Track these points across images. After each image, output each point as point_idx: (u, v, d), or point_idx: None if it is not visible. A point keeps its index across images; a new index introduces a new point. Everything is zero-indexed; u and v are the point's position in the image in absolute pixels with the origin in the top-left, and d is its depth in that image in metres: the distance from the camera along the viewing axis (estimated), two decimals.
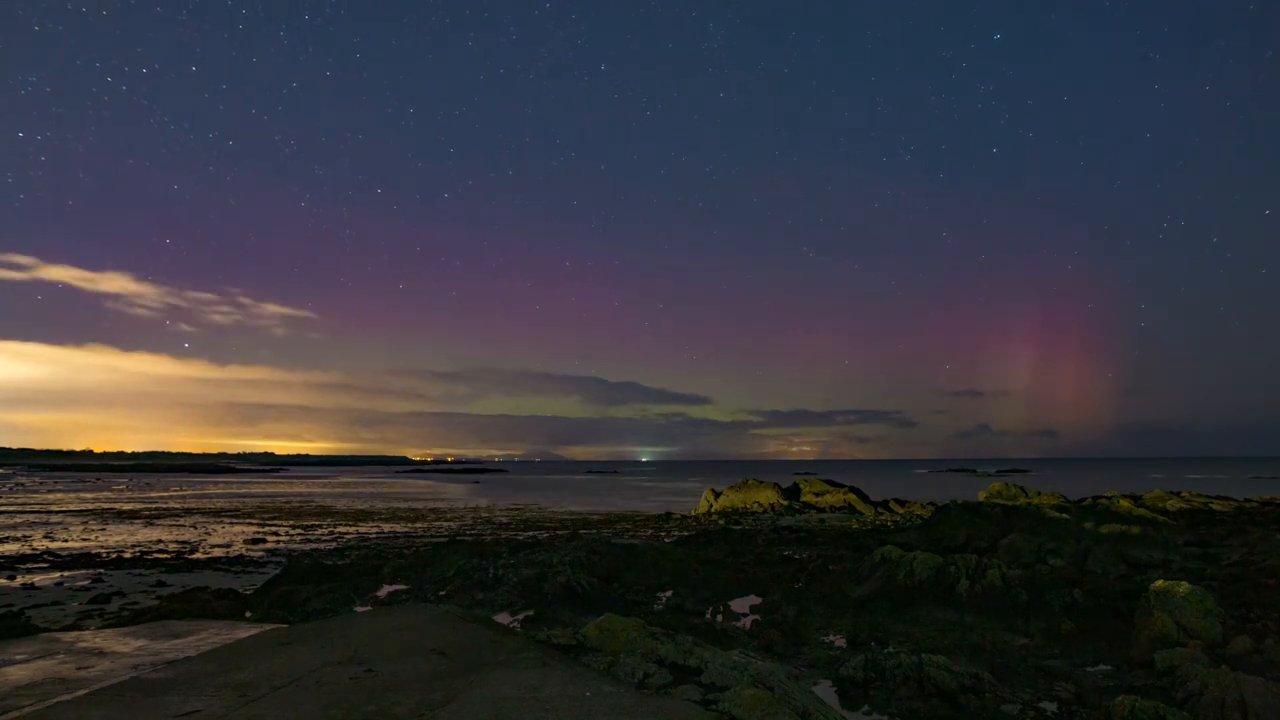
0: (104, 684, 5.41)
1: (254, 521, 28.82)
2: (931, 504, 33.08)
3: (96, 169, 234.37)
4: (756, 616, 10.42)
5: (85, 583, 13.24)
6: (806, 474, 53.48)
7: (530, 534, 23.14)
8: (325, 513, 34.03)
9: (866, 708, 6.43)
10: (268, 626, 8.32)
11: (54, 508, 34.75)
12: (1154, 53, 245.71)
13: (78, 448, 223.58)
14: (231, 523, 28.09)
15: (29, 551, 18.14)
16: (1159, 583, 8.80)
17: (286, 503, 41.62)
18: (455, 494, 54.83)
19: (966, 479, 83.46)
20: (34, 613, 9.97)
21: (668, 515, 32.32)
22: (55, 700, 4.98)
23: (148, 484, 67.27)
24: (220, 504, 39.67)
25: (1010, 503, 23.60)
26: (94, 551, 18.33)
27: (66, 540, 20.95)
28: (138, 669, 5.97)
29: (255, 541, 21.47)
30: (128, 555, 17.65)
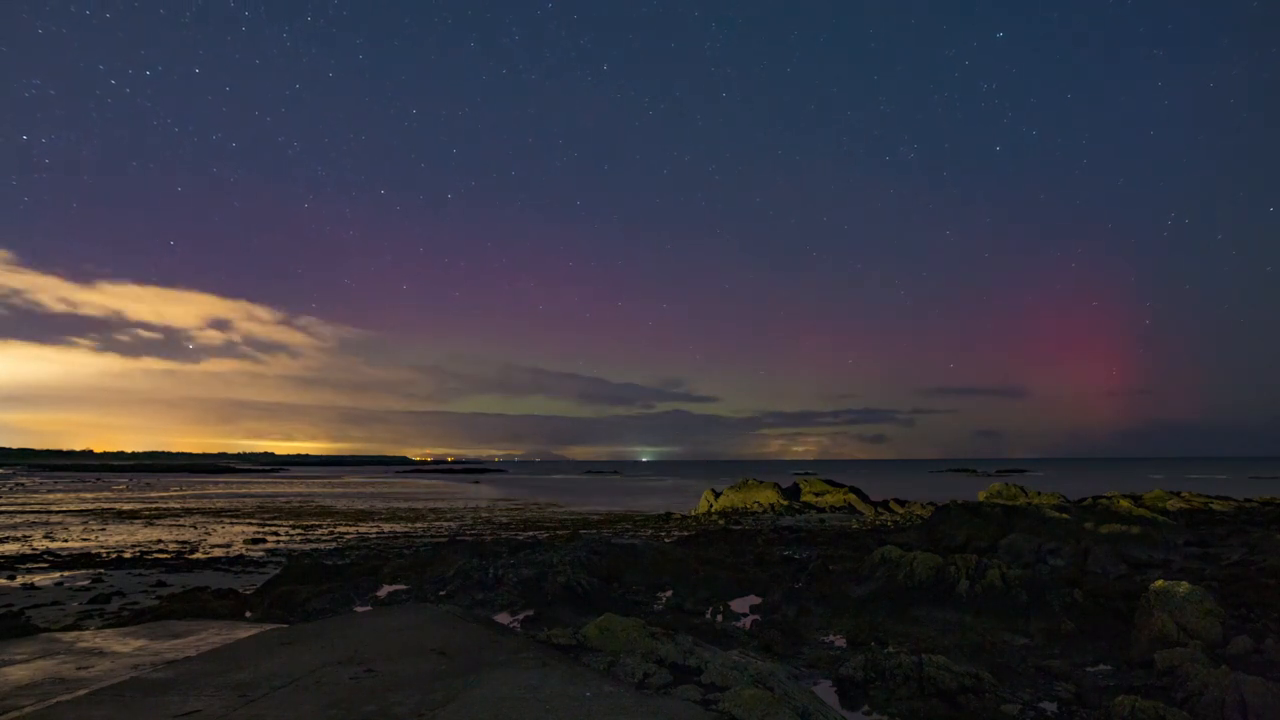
0: (104, 684, 5.41)
1: (254, 521, 28.82)
2: (931, 504, 33.08)
3: (100, 171, 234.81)
4: (756, 616, 10.42)
5: (85, 583, 13.23)
6: (806, 474, 53.49)
7: (530, 534, 23.14)
8: (325, 513, 34.03)
9: (866, 708, 6.43)
10: (268, 626, 8.32)
11: (54, 508, 34.74)
12: (1157, 49, 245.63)
13: (78, 448, 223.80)
14: (231, 523, 28.09)
15: (29, 551, 18.13)
16: (1159, 583, 8.80)
17: (286, 503, 41.61)
18: (456, 493, 54.84)
19: (966, 479, 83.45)
20: (34, 613, 9.96)
21: (668, 515, 32.31)
22: (55, 700, 4.98)
23: (148, 484, 67.26)
24: (220, 504, 39.67)
25: (1010, 503, 23.61)
26: (94, 551, 18.32)
27: (66, 540, 20.94)
28: (138, 669, 5.97)
29: (255, 541, 21.47)
30: (128, 555, 17.65)
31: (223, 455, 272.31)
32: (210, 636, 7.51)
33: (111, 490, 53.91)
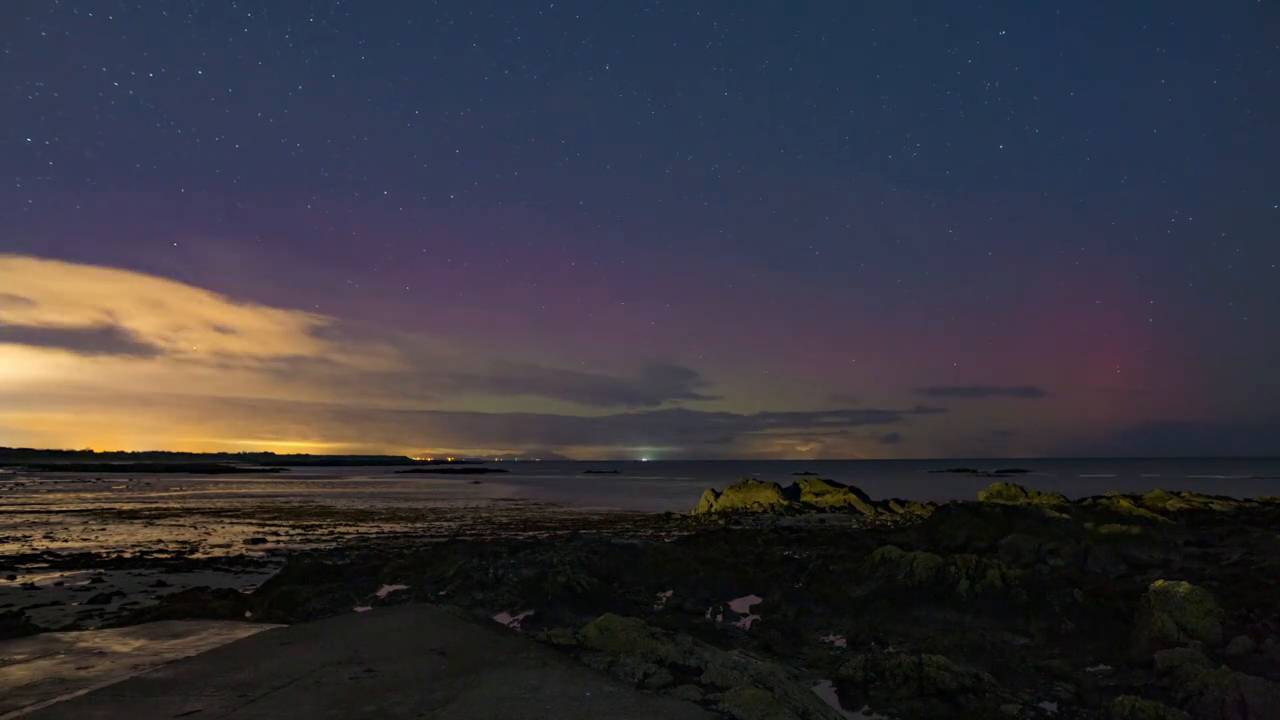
0: (104, 684, 5.41)
1: (254, 521, 28.82)
2: (931, 504, 33.08)
3: (103, 173, 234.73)
4: (756, 616, 10.41)
5: (85, 583, 13.23)
6: (806, 474, 53.49)
7: (530, 534, 23.14)
8: (325, 513, 34.03)
9: (866, 708, 6.43)
10: (268, 626, 8.32)
11: (54, 508, 34.74)
12: (1159, 47, 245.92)
13: (78, 448, 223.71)
14: (231, 523, 28.09)
15: (29, 551, 18.13)
16: (1159, 583, 8.80)
17: (286, 503, 41.62)
18: (456, 493, 54.84)
19: (966, 479, 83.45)
20: (34, 613, 9.97)
21: (668, 515, 32.31)
22: (55, 700, 4.98)
23: (148, 484, 67.26)
24: (220, 504, 39.66)
25: (1010, 503, 23.61)
26: (94, 551, 18.32)
27: (66, 540, 20.94)
28: (138, 669, 5.97)
29: (255, 541, 21.47)
30: (128, 555, 17.65)
31: (223, 455, 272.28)
32: (210, 636, 7.51)
33: (111, 490, 53.91)
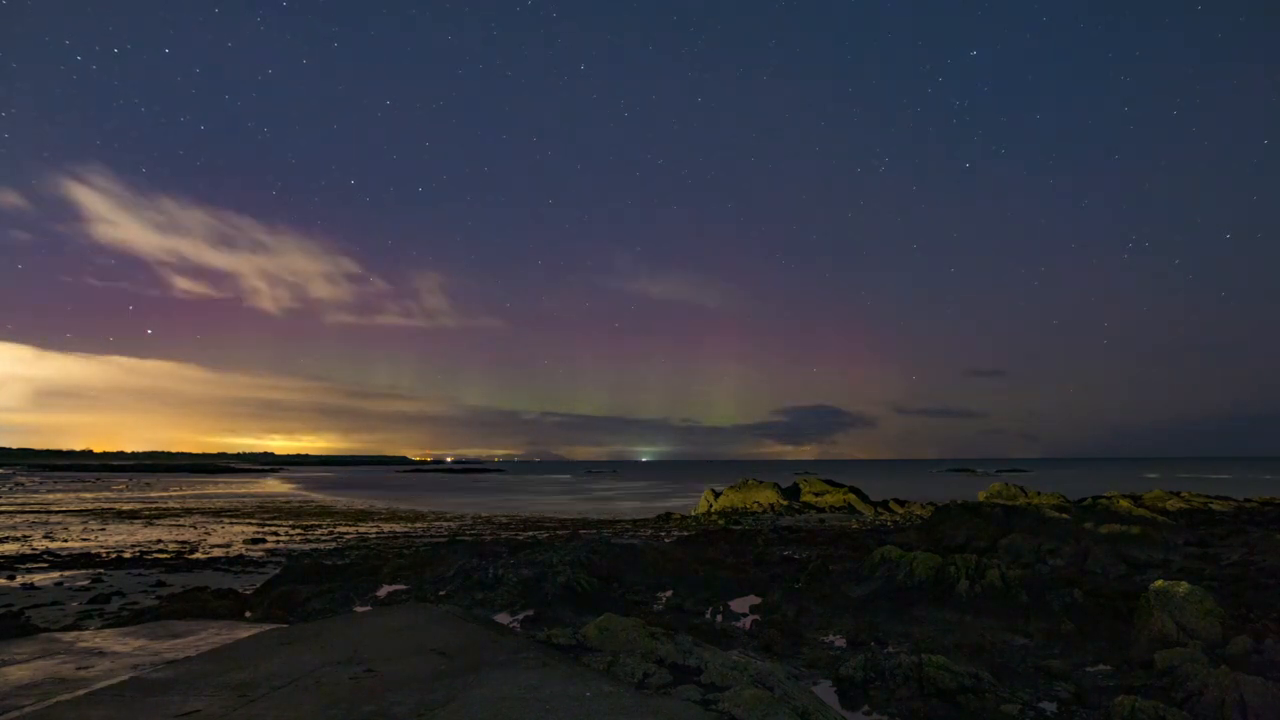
0: (104, 684, 5.41)
1: (254, 521, 28.81)
2: (931, 504, 33.07)
3: (63, 150, 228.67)
4: (756, 616, 10.41)
5: (85, 583, 13.23)
6: (806, 474, 53.47)
7: (530, 534, 23.13)
8: (325, 513, 34.02)
9: (866, 708, 6.43)
10: (268, 626, 8.31)
11: (54, 508, 34.73)
12: (1125, 75, 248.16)
13: (78, 448, 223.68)
14: (231, 523, 28.08)
15: (29, 551, 18.12)
16: (1159, 583, 8.80)
17: (286, 503, 41.61)
18: (455, 493, 54.79)
19: (966, 479, 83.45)
20: (34, 613, 9.96)
21: (668, 515, 32.30)
22: (55, 700, 4.98)
23: (148, 484, 67.24)
24: (220, 504, 39.66)
25: (1010, 503, 23.60)
26: (94, 551, 18.32)
27: (66, 540, 20.94)
28: (138, 669, 5.97)
29: (255, 541, 21.47)
30: (128, 555, 17.64)
31: (222, 455, 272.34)
32: (210, 636, 7.51)
33: (111, 490, 53.90)
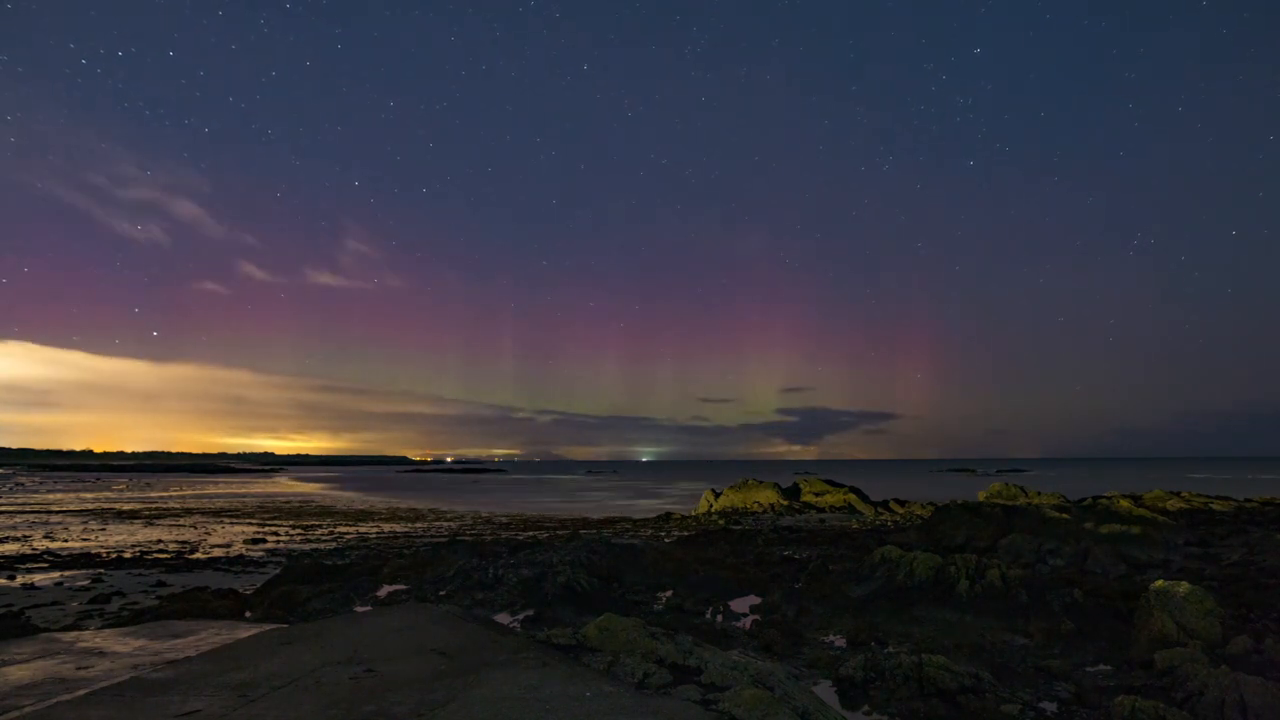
0: (104, 684, 5.41)
1: (254, 521, 28.81)
2: (931, 504, 33.07)
3: (67, 153, 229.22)
4: (756, 616, 10.41)
5: (85, 583, 13.23)
6: (806, 474, 53.48)
7: (530, 534, 23.13)
8: (325, 513, 34.02)
9: (866, 708, 6.43)
10: (268, 626, 8.32)
11: (54, 508, 34.73)
12: (1129, 72, 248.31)
13: (78, 448, 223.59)
14: (231, 523, 28.08)
15: (29, 551, 18.13)
16: (1159, 583, 8.80)
17: (286, 503, 41.61)
18: (455, 493, 54.80)
19: (966, 479, 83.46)
20: (34, 613, 9.96)
21: (668, 515, 32.30)
22: (55, 700, 4.98)
23: (148, 484, 67.26)
24: (220, 504, 39.66)
25: (1010, 503, 23.59)
26: (94, 551, 18.32)
27: (66, 540, 20.94)
28: (138, 669, 5.97)
29: (255, 541, 21.47)
30: (128, 555, 17.64)
31: (222, 455, 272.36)
32: (210, 636, 7.51)
33: (111, 490, 53.91)
